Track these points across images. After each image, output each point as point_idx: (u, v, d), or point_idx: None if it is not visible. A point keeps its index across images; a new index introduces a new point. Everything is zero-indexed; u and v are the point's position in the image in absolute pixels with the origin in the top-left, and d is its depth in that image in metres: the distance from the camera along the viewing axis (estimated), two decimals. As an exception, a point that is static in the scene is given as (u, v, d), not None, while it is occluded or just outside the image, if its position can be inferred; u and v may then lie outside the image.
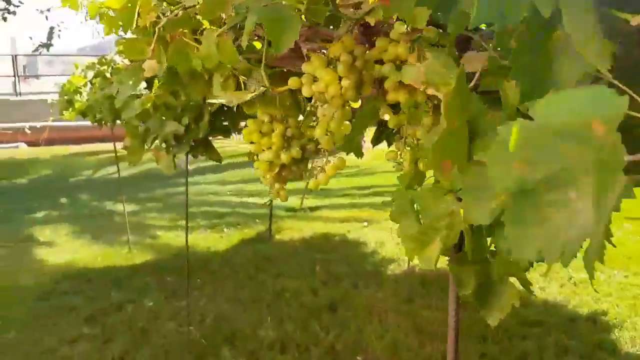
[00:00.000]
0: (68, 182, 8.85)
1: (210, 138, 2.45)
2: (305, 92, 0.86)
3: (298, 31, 0.76)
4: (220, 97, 1.09)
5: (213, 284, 4.27)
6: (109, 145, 10.59)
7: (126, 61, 2.61)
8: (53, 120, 4.45)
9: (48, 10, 13.57)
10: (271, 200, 5.57)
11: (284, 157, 1.01)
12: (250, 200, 7.36)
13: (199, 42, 1.15)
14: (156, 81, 1.83)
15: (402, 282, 4.36)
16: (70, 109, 3.77)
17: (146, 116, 2.20)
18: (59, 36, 13.95)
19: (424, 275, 4.50)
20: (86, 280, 4.37)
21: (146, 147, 2.46)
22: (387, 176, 7.42)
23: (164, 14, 1.08)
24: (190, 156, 2.53)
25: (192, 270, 3.56)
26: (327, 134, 0.85)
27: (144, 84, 1.74)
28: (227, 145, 8.19)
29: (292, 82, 0.89)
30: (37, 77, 19.63)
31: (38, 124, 10.29)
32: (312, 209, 6.62)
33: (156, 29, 1.04)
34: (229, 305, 3.86)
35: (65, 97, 3.83)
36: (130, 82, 1.68)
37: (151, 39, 1.41)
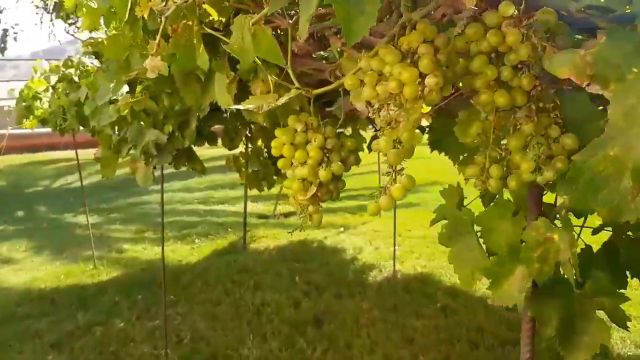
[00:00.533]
0: (24, 193, 8.37)
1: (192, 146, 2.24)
2: (367, 95, 0.68)
3: (375, 14, 0.59)
4: (236, 103, 0.90)
5: (188, 300, 4.02)
6: (66, 153, 10.13)
7: (96, 63, 2.37)
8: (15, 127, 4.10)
9: (0, 12, 12.88)
10: (245, 208, 5.35)
11: (323, 174, 0.82)
12: (220, 208, 7.10)
13: (207, 36, 0.96)
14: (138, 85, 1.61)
15: (386, 289, 4.22)
16: (31, 117, 3.46)
17: (122, 124, 1.98)
18: (15, 39, 13.27)
19: (407, 281, 4.38)
20: (49, 301, 4.05)
21: (121, 157, 2.23)
22: (360, 179, 7.29)
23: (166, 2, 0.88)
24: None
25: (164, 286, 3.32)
26: (395, 146, 0.68)
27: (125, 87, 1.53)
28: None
29: (350, 81, 0.71)
30: (-13, 83, 18.71)
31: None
32: (286, 215, 6.42)
33: (162, 19, 0.84)
34: (207, 323, 3.63)
35: (24, 104, 3.52)
36: (111, 86, 1.46)
37: (140, 34, 1.20)
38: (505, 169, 0.73)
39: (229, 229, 5.96)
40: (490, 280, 0.81)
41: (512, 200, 0.89)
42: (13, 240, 5.76)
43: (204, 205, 7.31)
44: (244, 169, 3.25)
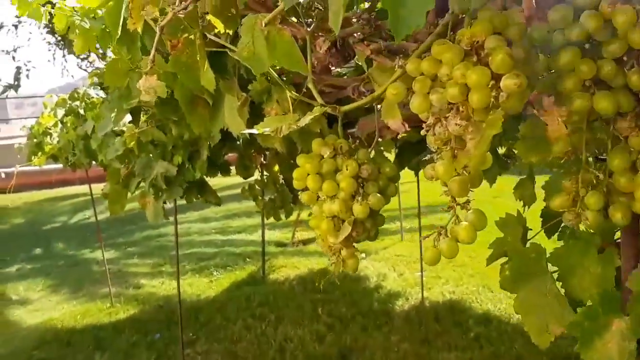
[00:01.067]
0: (41, 230, 8.31)
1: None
2: (417, 106, 0.52)
3: (433, 2, 0.43)
4: (249, 127, 0.75)
5: (207, 338, 3.84)
6: (83, 188, 10.09)
7: (101, 94, 2.26)
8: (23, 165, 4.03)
9: (14, 50, 13.06)
10: (263, 237, 5.19)
11: (359, 209, 0.66)
12: (237, 237, 6.95)
13: (212, 53, 0.81)
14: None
15: (414, 319, 4.00)
16: (40, 153, 3.37)
17: (130, 156, 1.84)
18: (27, 76, 13.44)
19: (436, 309, 4.16)
20: (66, 343, 3.90)
21: (130, 192, 2.10)
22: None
23: (164, 12, 0.74)
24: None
25: (182, 323, 3.15)
26: (459, 173, 0.51)
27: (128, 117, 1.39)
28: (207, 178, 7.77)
29: (394, 90, 0.56)
30: (6, 121, 19.08)
31: (8, 170, 9.78)
32: (305, 242, 6.23)
33: (157, 29, 0.70)
34: (229, 362, 3.45)
35: (35, 141, 3.44)
36: (112, 115, 1.32)
37: (139, 56, 1.06)
38: (605, 197, 0.56)
39: (247, 259, 5.79)
40: (577, 337, 0.63)
41: (594, 232, 0.71)
42: (29, 280, 5.66)
43: (222, 235, 7.16)
44: (260, 197, 3.10)
